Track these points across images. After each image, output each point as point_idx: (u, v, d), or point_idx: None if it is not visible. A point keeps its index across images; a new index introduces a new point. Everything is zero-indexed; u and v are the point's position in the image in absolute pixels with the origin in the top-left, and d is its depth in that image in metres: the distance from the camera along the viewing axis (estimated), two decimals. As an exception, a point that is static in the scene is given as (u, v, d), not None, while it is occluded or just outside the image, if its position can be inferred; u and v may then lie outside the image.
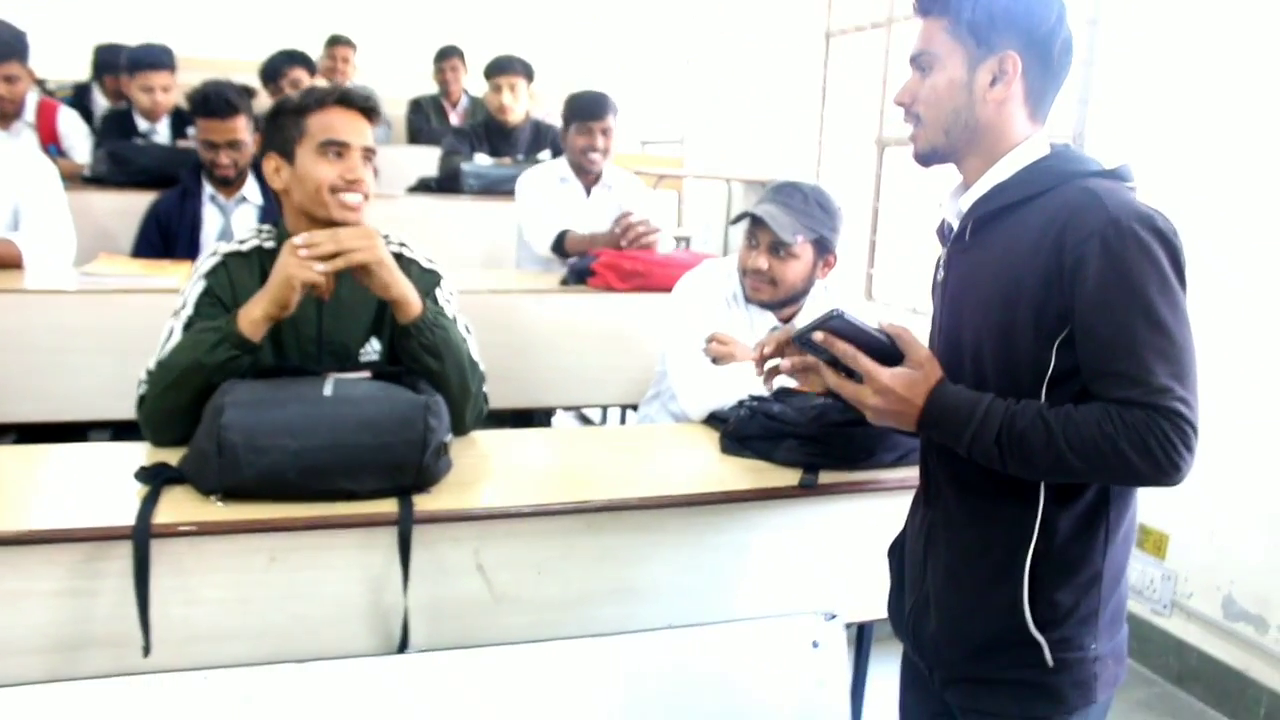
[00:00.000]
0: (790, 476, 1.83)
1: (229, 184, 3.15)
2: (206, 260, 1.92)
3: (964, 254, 1.40)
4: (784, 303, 2.26)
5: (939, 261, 1.47)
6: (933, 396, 1.32)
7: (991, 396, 1.29)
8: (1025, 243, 1.29)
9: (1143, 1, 3.11)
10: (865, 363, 1.33)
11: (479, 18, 7.37)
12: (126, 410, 2.48)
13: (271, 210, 3.17)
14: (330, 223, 1.84)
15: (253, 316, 1.74)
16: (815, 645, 1.82)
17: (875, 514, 1.83)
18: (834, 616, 1.81)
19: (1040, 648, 1.34)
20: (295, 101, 1.89)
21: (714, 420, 2.14)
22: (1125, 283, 1.22)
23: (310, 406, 1.59)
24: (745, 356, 2.24)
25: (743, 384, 2.15)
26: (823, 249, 2.21)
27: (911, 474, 1.67)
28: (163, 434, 1.77)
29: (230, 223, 3.19)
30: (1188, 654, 2.95)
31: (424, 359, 1.82)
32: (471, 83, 5.15)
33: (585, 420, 3.89)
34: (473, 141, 4.25)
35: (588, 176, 3.48)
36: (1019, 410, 1.27)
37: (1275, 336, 2.73)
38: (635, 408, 2.81)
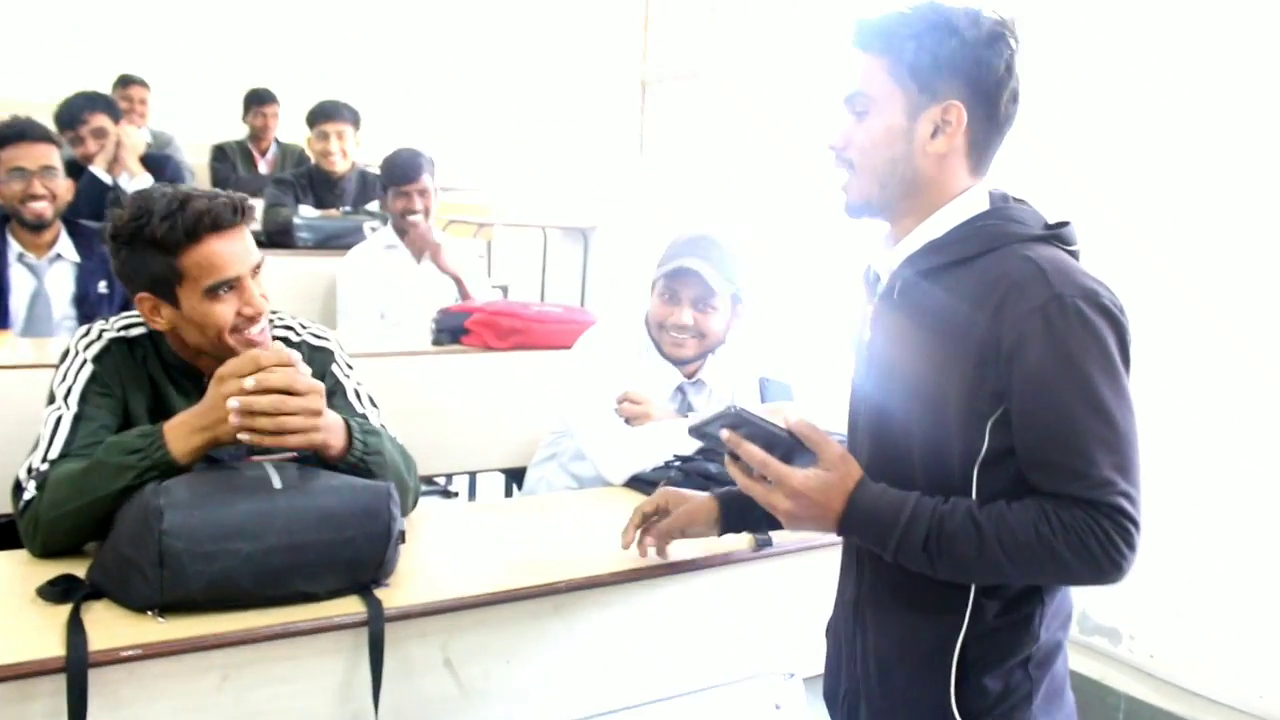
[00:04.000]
0: (740, 538, 1.79)
1: (41, 230, 2.80)
2: (88, 342, 1.70)
3: (893, 314, 1.29)
4: (698, 357, 2.24)
5: (866, 317, 1.35)
6: (852, 499, 1.22)
7: (917, 496, 1.20)
8: (960, 313, 1.20)
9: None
10: (777, 467, 1.23)
11: (280, 58, 6.98)
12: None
13: (91, 269, 2.88)
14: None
15: (192, 445, 1.51)
16: (778, 708, 1.81)
17: (829, 567, 1.83)
18: (793, 675, 1.80)
19: None
20: (156, 237, 1.57)
21: (638, 483, 2.09)
22: (1067, 365, 1.14)
23: (261, 502, 1.42)
24: (660, 414, 2.20)
25: (663, 444, 2.11)
26: (735, 298, 2.21)
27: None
28: (54, 546, 1.54)
29: (44, 284, 2.86)
30: (1046, 670, 3.12)
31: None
32: (281, 129, 4.88)
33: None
34: (296, 192, 4.03)
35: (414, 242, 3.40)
36: (947, 512, 1.17)
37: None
38: (519, 472, 2.70)
